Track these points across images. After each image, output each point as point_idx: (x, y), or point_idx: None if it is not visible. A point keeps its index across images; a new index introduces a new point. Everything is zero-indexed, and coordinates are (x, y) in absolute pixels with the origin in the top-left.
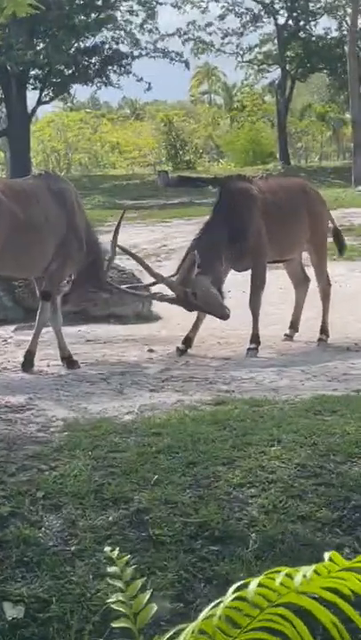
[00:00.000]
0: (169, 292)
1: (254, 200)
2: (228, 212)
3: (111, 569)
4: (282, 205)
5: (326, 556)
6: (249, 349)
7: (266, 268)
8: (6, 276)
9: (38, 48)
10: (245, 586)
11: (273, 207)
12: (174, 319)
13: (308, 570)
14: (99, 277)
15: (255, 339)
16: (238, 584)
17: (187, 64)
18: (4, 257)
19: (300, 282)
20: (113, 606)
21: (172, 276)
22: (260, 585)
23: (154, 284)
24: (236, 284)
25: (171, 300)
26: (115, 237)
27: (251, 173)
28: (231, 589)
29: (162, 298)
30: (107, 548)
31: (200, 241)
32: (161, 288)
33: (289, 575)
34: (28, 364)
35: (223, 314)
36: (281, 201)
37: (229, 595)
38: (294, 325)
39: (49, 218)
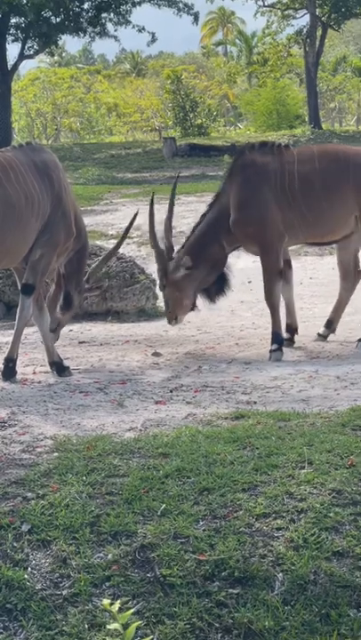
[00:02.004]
0: None
1: (266, 177)
2: (231, 190)
3: (111, 626)
4: (315, 178)
5: None
6: (271, 351)
7: (278, 255)
8: None
9: None
10: None
11: (302, 180)
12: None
13: None
14: (80, 273)
15: (276, 338)
16: None
17: (196, 17)
18: None
19: (350, 274)
20: None
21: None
22: None
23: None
24: (258, 273)
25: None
26: (122, 240)
27: (275, 140)
28: None
29: None
30: (105, 601)
31: (203, 220)
32: None
33: None
34: (8, 372)
35: (169, 319)
36: (314, 172)
37: None
38: (331, 324)
39: (30, 196)
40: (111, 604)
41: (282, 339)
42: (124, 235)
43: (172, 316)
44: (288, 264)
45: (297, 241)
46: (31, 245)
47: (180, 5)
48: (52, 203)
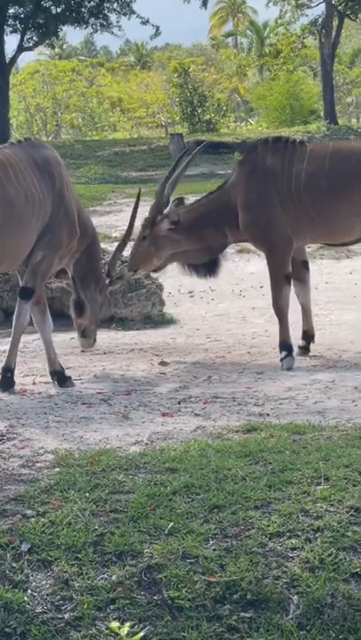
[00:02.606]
0: None
1: (274, 175)
2: (238, 186)
3: None
4: (328, 176)
5: None
6: (282, 359)
7: (284, 259)
8: None
9: None
10: None
11: (314, 179)
12: (192, 323)
13: None
14: (94, 272)
15: (284, 345)
16: None
17: (204, 2)
18: None
19: None
20: None
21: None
22: None
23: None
24: None
25: None
26: (129, 230)
27: (289, 136)
28: None
29: None
30: (114, 624)
31: (206, 199)
32: None
33: None
34: (7, 383)
35: (128, 268)
36: (327, 171)
37: None
38: None
39: (31, 195)
40: (119, 628)
41: (290, 345)
42: (133, 215)
43: (134, 266)
44: (305, 265)
45: (305, 242)
46: (32, 247)
47: None
48: (54, 201)
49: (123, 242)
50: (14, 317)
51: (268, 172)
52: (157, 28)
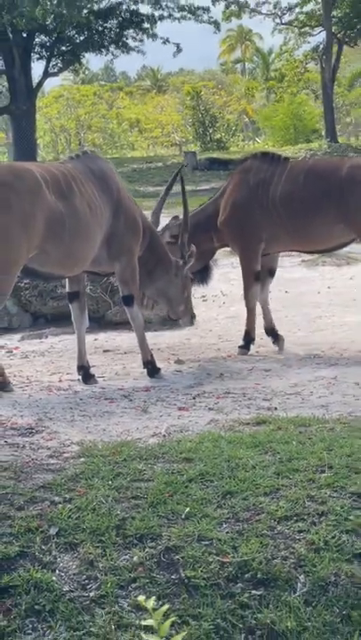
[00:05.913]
0: None
1: (255, 185)
2: (225, 192)
3: (146, 622)
4: (301, 192)
5: None
6: (239, 347)
7: (254, 257)
8: (47, 272)
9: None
10: None
11: (289, 194)
12: (205, 325)
13: None
14: (162, 260)
15: (247, 336)
16: None
17: (216, 24)
18: (47, 254)
19: None
20: None
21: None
22: None
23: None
24: (279, 282)
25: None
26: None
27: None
28: None
29: None
30: (140, 597)
31: (199, 209)
32: None
33: None
34: (151, 373)
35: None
36: (301, 186)
37: None
38: None
39: (94, 206)
40: (146, 601)
41: (251, 338)
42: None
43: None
44: (271, 273)
45: (279, 249)
46: (95, 254)
47: (200, 12)
48: (113, 210)
49: (185, 222)
50: (131, 322)
51: (252, 182)
52: (178, 45)
